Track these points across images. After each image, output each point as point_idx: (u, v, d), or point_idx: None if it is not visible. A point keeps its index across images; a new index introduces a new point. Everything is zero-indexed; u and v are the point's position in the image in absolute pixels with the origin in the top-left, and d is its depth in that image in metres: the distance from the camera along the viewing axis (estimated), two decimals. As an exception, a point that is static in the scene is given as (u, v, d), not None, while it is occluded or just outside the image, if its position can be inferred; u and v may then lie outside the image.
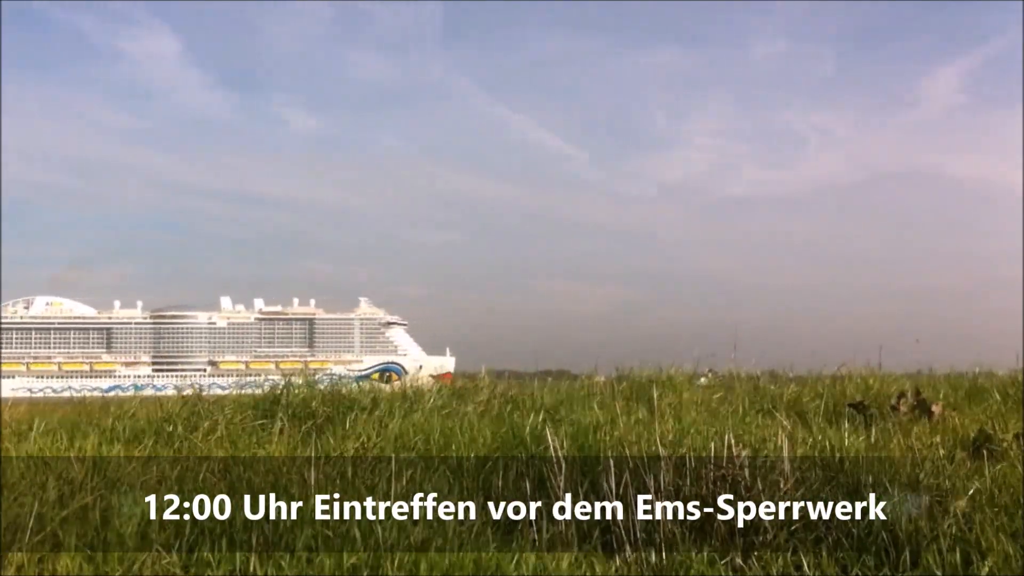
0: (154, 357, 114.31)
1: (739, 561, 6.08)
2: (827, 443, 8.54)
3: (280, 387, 12.16)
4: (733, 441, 7.21)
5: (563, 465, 7.15)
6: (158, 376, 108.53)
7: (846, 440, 8.47)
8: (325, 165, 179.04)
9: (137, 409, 11.50)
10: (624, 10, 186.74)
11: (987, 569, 5.67)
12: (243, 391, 12.92)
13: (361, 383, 14.48)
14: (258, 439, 10.01)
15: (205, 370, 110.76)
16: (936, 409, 11.21)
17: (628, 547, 6.26)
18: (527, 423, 9.70)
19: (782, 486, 6.76)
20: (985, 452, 8.26)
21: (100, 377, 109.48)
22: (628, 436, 7.60)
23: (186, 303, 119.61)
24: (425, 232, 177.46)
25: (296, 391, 12.03)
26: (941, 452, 7.93)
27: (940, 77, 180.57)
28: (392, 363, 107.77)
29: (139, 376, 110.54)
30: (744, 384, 14.19)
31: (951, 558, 5.78)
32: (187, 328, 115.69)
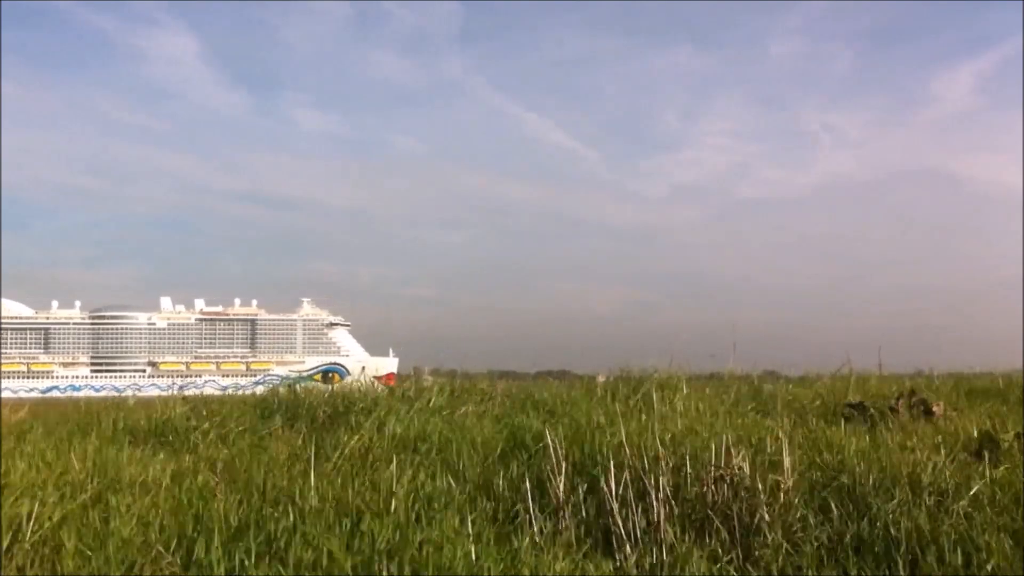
0: (92, 358, 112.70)
1: (739, 561, 6.07)
2: (827, 443, 8.53)
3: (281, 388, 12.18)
4: (733, 441, 7.20)
5: (563, 465, 7.14)
6: (96, 377, 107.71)
7: (846, 440, 8.46)
8: (337, 165, 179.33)
9: (137, 409, 11.51)
10: (642, 11, 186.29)
11: (988, 569, 5.66)
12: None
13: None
14: (259, 439, 10.01)
15: (144, 371, 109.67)
16: (937, 409, 11.21)
17: (628, 547, 6.25)
18: (527, 424, 9.70)
19: (782, 486, 6.74)
20: (986, 452, 8.25)
21: (37, 378, 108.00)
22: (628, 436, 7.59)
23: (125, 303, 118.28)
24: (435, 232, 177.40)
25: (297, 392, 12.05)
26: (942, 452, 7.92)
27: (955, 77, 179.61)
28: (335, 364, 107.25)
29: (77, 377, 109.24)
30: (744, 384, 14.18)
31: (952, 558, 5.77)
32: (126, 328, 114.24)
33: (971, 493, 6.78)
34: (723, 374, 15.43)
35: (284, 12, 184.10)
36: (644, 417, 9.33)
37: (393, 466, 7.62)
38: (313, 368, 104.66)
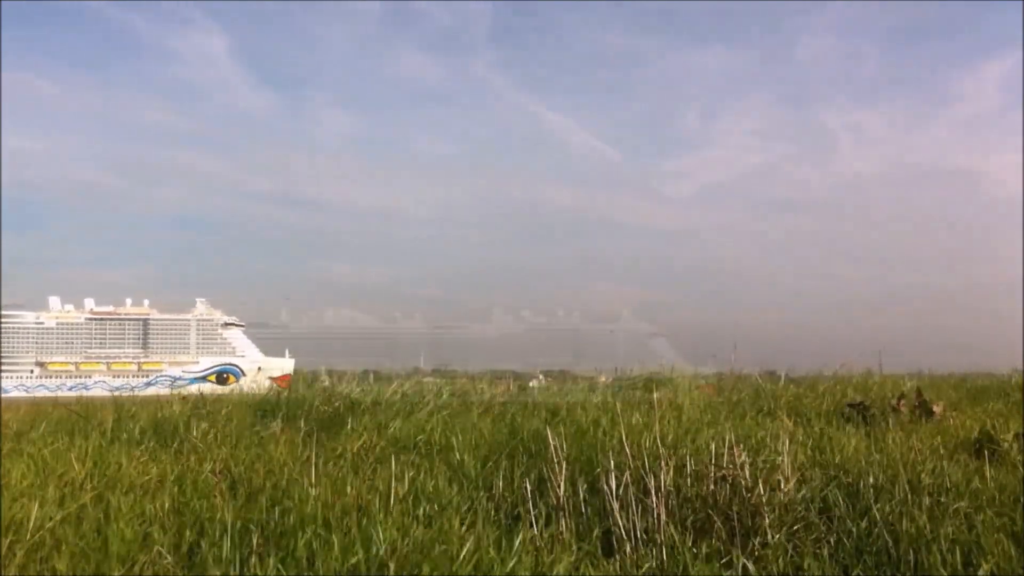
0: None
1: (739, 561, 6.06)
2: (827, 443, 8.53)
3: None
4: (733, 441, 7.20)
5: (563, 465, 7.14)
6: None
7: (846, 440, 8.47)
8: (360, 165, 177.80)
9: (138, 410, 11.51)
10: (671, 9, 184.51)
11: (988, 570, 5.66)
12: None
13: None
14: (259, 439, 10.01)
15: (32, 371, 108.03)
16: (938, 409, 11.22)
17: (628, 547, 6.25)
18: (528, 423, 9.70)
19: (782, 486, 6.74)
20: (986, 452, 8.26)
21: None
22: (628, 436, 7.59)
23: (12, 302, 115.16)
24: (448, 232, 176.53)
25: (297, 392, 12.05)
26: (942, 452, 7.93)
27: (982, 76, 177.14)
28: (230, 364, 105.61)
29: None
30: (745, 384, 14.19)
31: (952, 559, 5.77)
32: (13, 328, 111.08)
33: (971, 493, 6.78)
34: (725, 374, 15.44)
35: (316, 11, 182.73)
36: (645, 417, 9.33)
37: (393, 466, 7.61)
38: (207, 369, 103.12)
